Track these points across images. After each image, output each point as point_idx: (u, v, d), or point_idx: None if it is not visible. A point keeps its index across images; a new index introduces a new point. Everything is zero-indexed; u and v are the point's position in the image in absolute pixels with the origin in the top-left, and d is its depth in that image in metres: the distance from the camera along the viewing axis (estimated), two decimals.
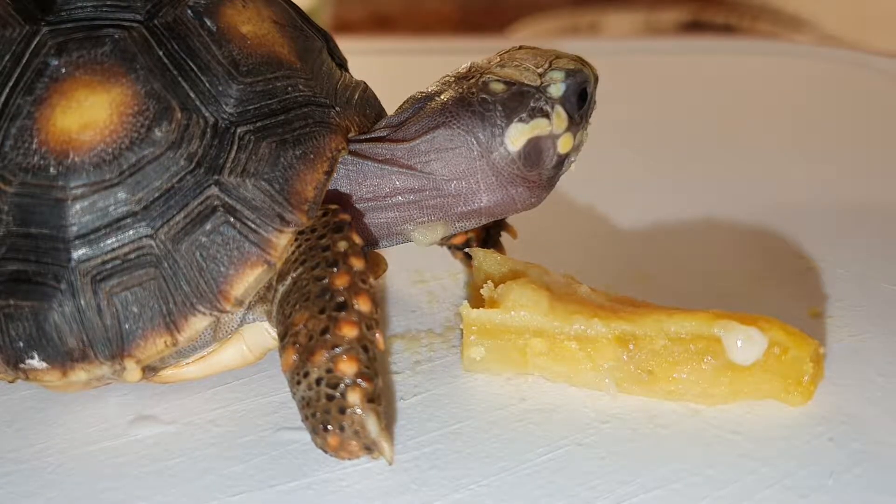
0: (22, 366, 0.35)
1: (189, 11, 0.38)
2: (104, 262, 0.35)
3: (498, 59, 0.41)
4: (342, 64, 0.45)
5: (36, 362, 0.35)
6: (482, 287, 0.40)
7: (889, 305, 0.47)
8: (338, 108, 0.40)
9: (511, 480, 0.34)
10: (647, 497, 0.33)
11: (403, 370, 0.42)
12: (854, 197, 0.64)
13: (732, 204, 0.61)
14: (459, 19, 1.90)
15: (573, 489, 0.33)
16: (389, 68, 0.87)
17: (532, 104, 0.39)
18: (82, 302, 0.35)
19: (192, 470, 0.35)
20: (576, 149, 0.41)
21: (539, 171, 0.40)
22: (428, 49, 1.12)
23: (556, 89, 0.39)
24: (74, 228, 0.35)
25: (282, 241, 0.36)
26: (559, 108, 0.39)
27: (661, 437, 0.36)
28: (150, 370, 0.38)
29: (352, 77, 0.44)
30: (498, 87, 0.39)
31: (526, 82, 0.39)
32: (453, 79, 0.42)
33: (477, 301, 0.41)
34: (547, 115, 0.39)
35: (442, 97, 0.41)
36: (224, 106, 0.37)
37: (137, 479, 0.35)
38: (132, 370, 0.36)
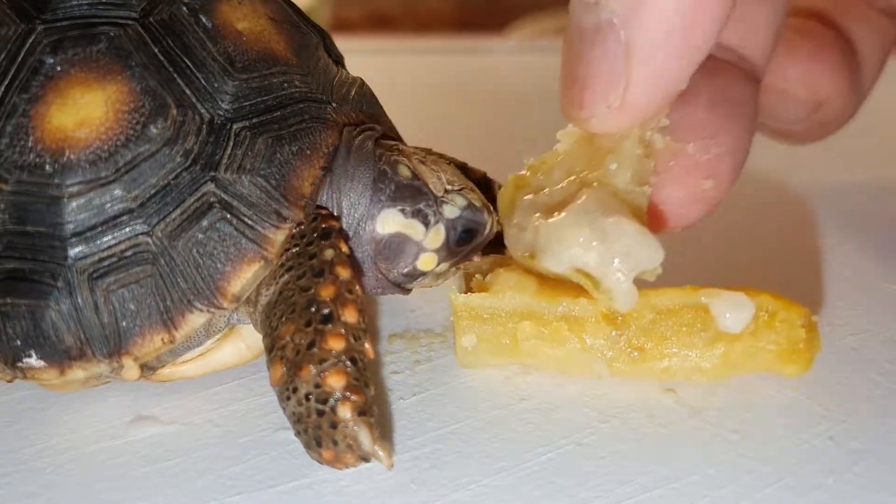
0: (20, 364, 0.35)
1: (184, 8, 0.38)
2: (101, 260, 0.35)
3: (425, 156, 0.41)
4: (338, 60, 0.45)
5: (34, 361, 0.35)
6: (472, 277, 0.40)
7: (889, 305, 0.47)
8: (334, 104, 0.40)
9: (510, 480, 0.34)
10: (646, 497, 0.33)
11: (403, 370, 0.42)
12: (855, 196, 0.64)
13: (733, 202, 0.61)
14: (458, 18, 1.90)
15: (572, 489, 0.33)
16: (388, 67, 0.87)
17: (421, 206, 0.39)
18: (79, 300, 0.35)
19: (191, 470, 0.35)
20: (434, 275, 0.41)
21: (388, 266, 0.40)
22: (426, 48, 1.12)
23: (450, 210, 0.40)
24: (71, 226, 0.35)
25: (279, 237, 0.36)
26: (441, 227, 0.39)
27: (661, 436, 0.36)
28: (148, 369, 0.38)
29: (348, 73, 0.44)
30: (405, 172, 0.40)
31: (429, 185, 0.40)
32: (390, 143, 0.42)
33: (467, 290, 0.41)
34: (426, 224, 0.39)
35: (366, 148, 0.41)
36: (220, 102, 0.36)
37: (137, 479, 0.34)
38: (130, 368, 0.36)
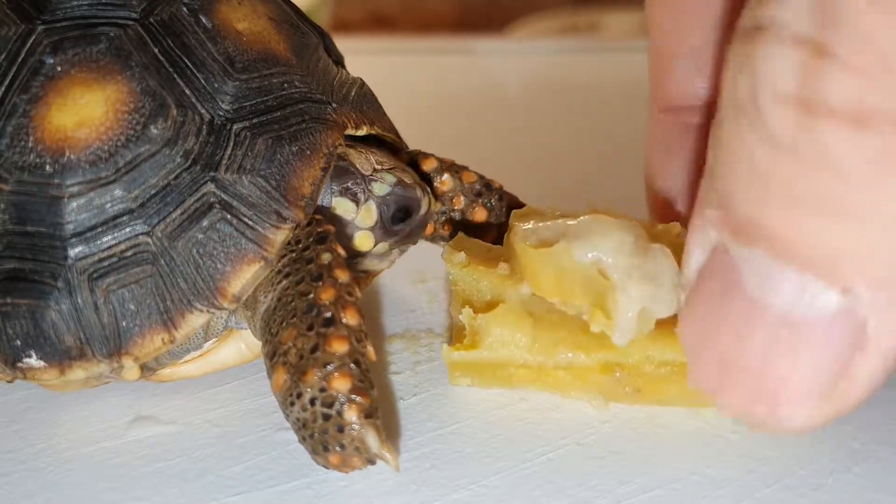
0: (20, 364, 0.35)
1: (184, 9, 0.38)
2: (101, 260, 0.35)
3: (371, 150, 0.41)
4: (338, 61, 0.45)
5: (34, 361, 0.35)
6: (461, 311, 0.38)
7: None
8: (334, 105, 0.40)
9: (510, 480, 0.34)
10: (647, 497, 0.33)
11: (403, 370, 0.42)
12: None
13: None
14: (458, 19, 1.90)
15: (573, 489, 0.33)
16: (388, 67, 0.87)
17: (348, 184, 0.39)
18: (79, 300, 0.35)
19: (191, 470, 0.35)
20: (375, 256, 0.41)
21: None
22: (427, 48, 1.12)
23: (380, 188, 0.39)
24: (71, 226, 0.35)
25: (279, 238, 0.36)
26: (372, 205, 0.39)
27: (661, 436, 0.36)
28: (147, 369, 0.38)
29: (348, 74, 0.44)
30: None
31: (356, 164, 0.40)
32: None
33: (457, 330, 0.39)
34: (356, 202, 0.39)
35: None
36: (220, 103, 0.36)
37: (137, 479, 0.34)
38: (130, 368, 0.36)
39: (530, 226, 0.37)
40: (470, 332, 0.38)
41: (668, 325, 0.34)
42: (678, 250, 0.32)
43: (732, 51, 0.25)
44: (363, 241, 0.40)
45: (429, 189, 0.41)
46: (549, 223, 0.37)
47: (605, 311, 0.35)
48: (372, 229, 0.40)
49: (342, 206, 0.39)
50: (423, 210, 0.40)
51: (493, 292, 0.39)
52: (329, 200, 0.39)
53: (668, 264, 0.34)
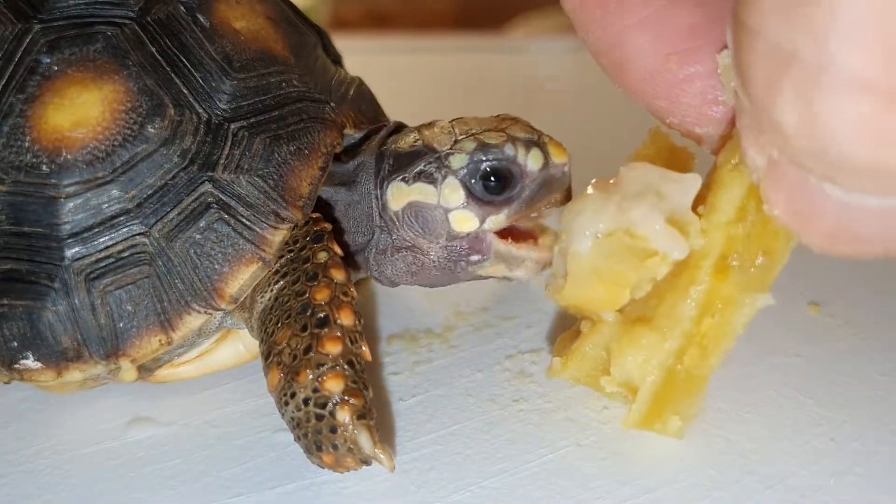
0: (16, 366, 0.35)
1: (182, 8, 0.37)
2: (98, 261, 0.35)
3: (466, 122, 0.38)
4: (337, 60, 0.44)
5: (30, 362, 0.35)
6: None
7: (889, 305, 0.47)
8: (332, 104, 0.40)
9: (511, 482, 0.34)
10: (648, 498, 0.33)
11: (402, 370, 0.41)
12: None
13: None
14: (457, 17, 1.90)
15: (573, 490, 0.33)
16: (387, 66, 0.87)
17: (421, 167, 0.36)
18: (76, 301, 0.34)
19: (189, 472, 0.35)
20: (501, 257, 0.37)
21: (431, 242, 0.37)
22: (425, 47, 1.11)
23: (458, 160, 0.36)
24: (68, 227, 0.35)
25: (277, 238, 0.35)
26: (452, 180, 0.36)
27: (662, 437, 0.36)
28: (145, 370, 0.38)
29: (346, 73, 0.44)
30: (406, 142, 0.38)
31: (434, 145, 0.36)
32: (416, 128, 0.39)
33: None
34: (433, 182, 0.36)
35: (379, 137, 0.39)
36: (217, 102, 0.36)
37: (135, 480, 0.34)
38: (127, 369, 0.36)
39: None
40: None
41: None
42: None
43: None
44: (462, 220, 0.36)
45: (545, 140, 0.36)
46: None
47: (649, 253, 0.33)
48: (466, 206, 0.36)
49: (421, 192, 0.36)
50: (532, 167, 0.35)
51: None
52: (403, 189, 0.36)
53: (655, 176, 0.33)
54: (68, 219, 0.35)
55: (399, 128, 0.41)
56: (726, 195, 0.32)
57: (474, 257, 0.37)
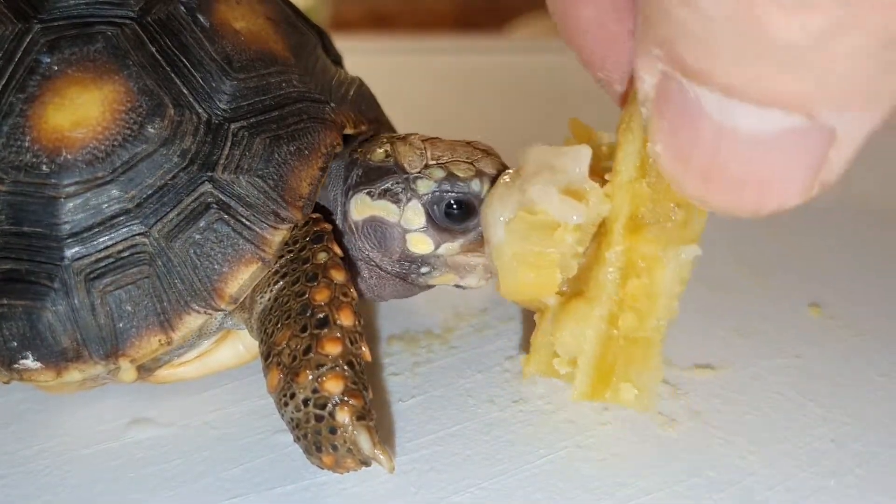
0: (16, 366, 0.35)
1: (182, 8, 0.37)
2: (98, 261, 0.34)
3: (440, 140, 0.39)
4: (337, 60, 0.44)
5: (30, 362, 0.35)
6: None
7: (889, 305, 0.47)
8: (332, 104, 0.40)
9: (510, 483, 0.34)
10: (647, 499, 0.33)
11: (402, 371, 0.41)
12: (857, 195, 0.64)
13: None
14: (457, 17, 1.90)
15: (573, 492, 0.33)
16: (387, 66, 0.86)
17: (388, 185, 0.37)
18: (76, 301, 0.34)
19: (189, 473, 0.35)
20: (449, 267, 0.37)
21: (384, 256, 0.38)
22: (426, 48, 1.11)
23: (424, 186, 0.37)
24: (67, 226, 0.34)
25: (276, 238, 0.35)
26: (416, 204, 0.37)
27: (662, 439, 0.36)
28: (145, 370, 0.37)
29: (346, 73, 0.44)
30: (378, 156, 0.38)
31: (404, 165, 0.37)
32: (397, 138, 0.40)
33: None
34: (397, 202, 0.37)
35: (364, 147, 0.40)
36: (217, 102, 0.36)
37: (134, 481, 0.34)
38: (127, 370, 0.36)
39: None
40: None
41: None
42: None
43: None
44: (417, 243, 0.37)
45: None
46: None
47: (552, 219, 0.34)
48: (424, 230, 0.37)
49: (384, 209, 0.37)
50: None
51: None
52: (367, 203, 0.37)
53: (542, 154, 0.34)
54: (68, 219, 0.34)
55: (369, 138, 0.41)
56: (623, 155, 0.32)
57: (424, 269, 0.38)
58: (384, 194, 0.37)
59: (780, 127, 0.25)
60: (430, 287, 0.39)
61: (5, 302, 0.34)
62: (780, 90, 0.24)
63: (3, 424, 0.38)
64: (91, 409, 0.39)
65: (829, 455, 0.35)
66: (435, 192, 0.37)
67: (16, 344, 0.35)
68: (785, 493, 0.33)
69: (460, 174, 0.37)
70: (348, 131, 0.40)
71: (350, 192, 0.38)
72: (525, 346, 0.43)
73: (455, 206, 0.37)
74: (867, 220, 0.59)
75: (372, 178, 0.38)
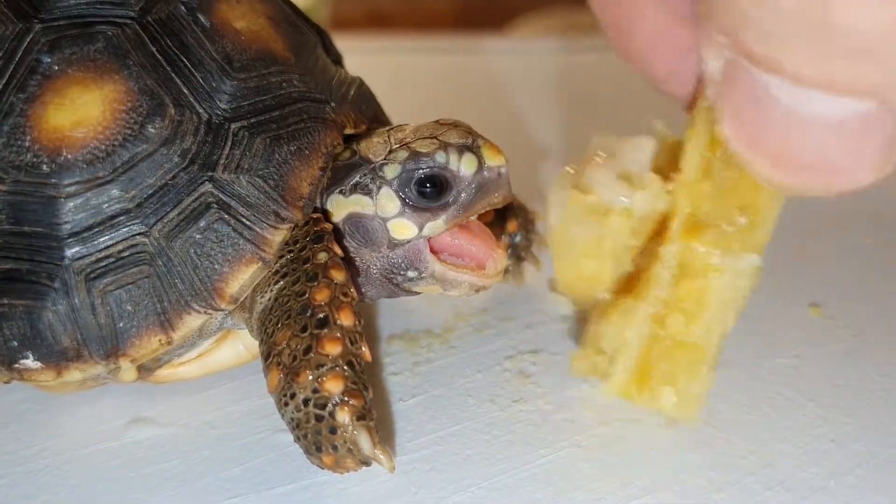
0: (16, 366, 0.35)
1: (182, 7, 0.37)
2: (98, 260, 0.34)
3: (402, 129, 0.38)
4: (337, 60, 0.44)
5: (30, 362, 0.35)
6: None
7: (889, 305, 0.47)
8: (333, 104, 0.40)
9: (510, 482, 0.34)
10: (647, 499, 0.33)
11: (402, 371, 0.41)
12: (857, 196, 0.64)
13: None
14: (457, 17, 1.90)
15: (573, 491, 0.33)
16: (387, 66, 0.86)
17: (357, 179, 0.37)
18: (76, 300, 0.34)
19: (189, 472, 0.35)
20: (436, 279, 0.37)
21: (374, 252, 0.37)
22: (426, 47, 1.11)
23: (391, 171, 0.36)
24: (68, 226, 0.34)
25: (277, 238, 0.35)
26: (387, 190, 0.36)
27: (662, 439, 0.36)
28: (145, 370, 0.37)
29: (347, 73, 0.44)
30: (343, 155, 0.38)
31: (368, 156, 0.37)
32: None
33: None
34: (369, 193, 0.36)
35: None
36: (218, 102, 0.36)
37: (134, 481, 0.34)
38: (127, 369, 0.36)
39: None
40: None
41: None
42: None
43: None
44: (399, 229, 0.36)
45: (479, 143, 0.36)
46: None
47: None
48: (402, 214, 0.36)
49: (358, 203, 0.37)
50: (464, 171, 0.36)
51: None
52: (342, 202, 0.37)
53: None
54: (68, 218, 0.34)
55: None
56: (688, 154, 0.32)
57: (411, 273, 0.38)
58: (355, 189, 0.37)
59: (850, 112, 0.25)
60: (415, 293, 0.39)
61: (6, 301, 0.34)
62: (852, 80, 0.24)
63: (2, 424, 0.38)
64: (91, 409, 0.39)
65: (829, 455, 0.35)
66: (402, 174, 0.36)
67: (16, 344, 0.35)
68: (785, 493, 0.33)
69: (423, 150, 0.36)
70: (349, 131, 0.40)
71: (324, 196, 0.38)
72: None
73: (427, 184, 0.36)
74: (867, 221, 0.59)
75: (340, 176, 0.38)
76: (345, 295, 0.34)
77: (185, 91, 0.36)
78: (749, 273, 0.32)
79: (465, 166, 0.36)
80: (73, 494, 0.34)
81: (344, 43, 0.47)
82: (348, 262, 0.39)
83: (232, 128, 0.36)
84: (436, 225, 0.37)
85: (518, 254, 0.48)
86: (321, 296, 0.33)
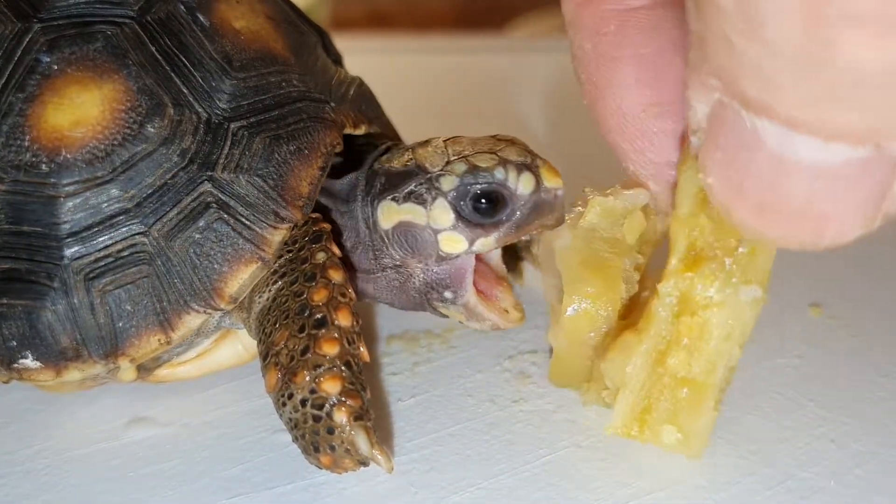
0: (15, 365, 0.35)
1: (182, 7, 0.37)
2: (97, 260, 0.34)
3: (460, 141, 0.38)
4: (337, 59, 0.44)
5: (29, 362, 0.35)
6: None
7: (890, 305, 0.47)
8: (332, 104, 0.40)
9: (510, 483, 0.34)
10: (647, 499, 0.33)
11: (402, 371, 0.41)
12: None
13: None
14: (458, 17, 1.89)
15: (573, 492, 0.33)
16: (387, 66, 0.86)
17: (412, 187, 0.36)
18: (75, 300, 0.34)
19: (189, 472, 0.35)
20: (466, 309, 0.37)
21: (420, 262, 0.37)
22: (426, 47, 1.11)
23: (448, 182, 0.36)
24: (67, 226, 0.34)
25: (276, 238, 0.35)
26: (442, 202, 0.36)
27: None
28: (144, 370, 0.37)
29: (347, 72, 0.44)
30: (398, 162, 0.37)
31: (425, 166, 0.36)
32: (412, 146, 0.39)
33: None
34: (423, 203, 0.36)
35: (371, 156, 0.39)
36: (217, 101, 0.36)
37: (134, 481, 0.34)
38: (126, 369, 0.36)
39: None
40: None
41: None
42: None
43: None
44: (450, 242, 0.36)
45: (538, 164, 0.36)
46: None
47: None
48: (455, 228, 0.36)
49: (411, 212, 0.36)
50: (522, 191, 0.35)
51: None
52: (394, 209, 0.37)
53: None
54: (67, 218, 0.34)
55: (389, 147, 0.41)
56: (682, 189, 0.32)
57: (448, 294, 0.37)
58: (409, 197, 0.36)
59: (844, 158, 0.24)
60: (439, 314, 0.39)
61: (5, 301, 0.34)
62: (849, 124, 0.23)
63: (2, 424, 0.38)
64: (90, 409, 0.39)
65: (829, 455, 0.35)
66: (459, 186, 0.35)
67: (15, 343, 0.34)
68: (785, 493, 0.33)
69: (482, 164, 0.35)
70: (348, 131, 0.40)
71: (375, 201, 0.38)
72: (525, 346, 0.43)
73: (483, 199, 0.35)
74: None
75: (395, 183, 0.37)
76: (343, 295, 0.34)
77: (185, 90, 0.36)
78: (751, 304, 0.32)
79: (522, 185, 0.35)
80: (73, 494, 0.34)
81: (344, 43, 0.47)
82: (346, 263, 0.39)
83: (231, 127, 0.36)
84: (487, 241, 0.36)
85: (518, 254, 0.48)
86: (319, 296, 0.33)
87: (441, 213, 0.36)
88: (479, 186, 0.35)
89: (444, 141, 0.38)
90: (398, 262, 0.38)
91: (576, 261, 0.35)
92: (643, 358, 0.33)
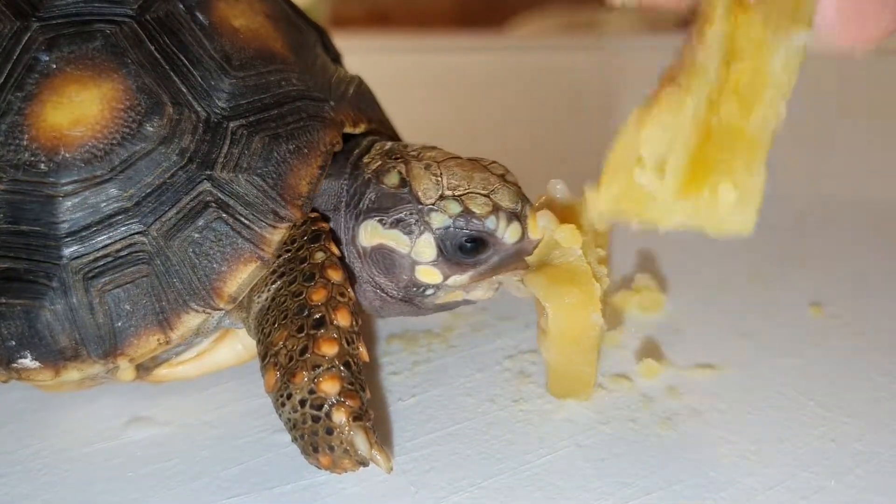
0: (14, 365, 0.35)
1: (181, 6, 0.37)
2: (96, 260, 0.34)
3: (457, 162, 0.37)
4: (336, 58, 0.44)
5: (28, 361, 0.35)
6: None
7: (890, 305, 0.47)
8: (332, 103, 0.39)
9: (510, 482, 0.34)
10: (647, 499, 0.33)
11: (402, 370, 0.41)
12: (857, 195, 0.64)
13: None
14: (458, 16, 1.89)
15: (573, 491, 0.33)
16: (387, 65, 0.86)
17: (402, 215, 0.36)
18: (74, 300, 0.34)
19: (188, 472, 0.35)
20: (455, 290, 0.37)
21: (388, 281, 0.37)
22: (426, 46, 1.11)
23: (438, 220, 0.36)
24: (65, 225, 0.34)
25: (275, 237, 0.35)
26: (429, 237, 0.36)
27: (662, 438, 0.36)
28: (143, 369, 0.37)
29: (346, 71, 0.44)
30: (392, 180, 0.37)
31: (418, 194, 0.36)
32: (402, 151, 0.39)
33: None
34: (409, 234, 0.36)
35: (369, 160, 0.39)
36: (216, 100, 0.36)
37: (133, 481, 0.34)
38: (125, 369, 0.36)
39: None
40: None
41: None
42: None
43: None
44: (426, 274, 0.36)
45: (526, 213, 0.36)
46: None
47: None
48: (435, 263, 0.36)
49: (395, 239, 0.36)
50: (508, 240, 0.36)
51: None
52: (378, 231, 0.36)
53: None
54: (66, 217, 0.34)
55: (370, 144, 0.40)
56: None
57: (429, 291, 0.37)
58: (396, 224, 0.36)
59: None
60: (438, 308, 0.39)
61: (3, 301, 0.34)
62: None
63: (1, 423, 0.38)
64: (89, 409, 0.39)
65: (829, 455, 0.35)
66: (449, 227, 0.36)
67: (14, 343, 0.34)
68: (785, 493, 0.33)
69: (476, 210, 0.35)
70: (347, 130, 0.40)
71: (361, 217, 0.37)
72: (525, 345, 0.43)
73: (468, 242, 0.36)
74: (867, 220, 0.59)
75: (385, 205, 0.37)
76: (342, 295, 0.34)
77: (184, 89, 0.36)
78: (797, 52, 0.29)
79: (509, 235, 0.36)
80: (72, 494, 0.34)
81: (344, 42, 0.47)
82: (356, 281, 0.38)
83: (230, 126, 0.36)
84: (461, 279, 0.37)
85: None
86: (318, 296, 0.33)
87: (425, 248, 0.36)
88: (467, 232, 0.36)
89: (439, 164, 0.37)
90: (370, 279, 0.38)
91: (543, 281, 0.35)
92: (694, 110, 0.29)
